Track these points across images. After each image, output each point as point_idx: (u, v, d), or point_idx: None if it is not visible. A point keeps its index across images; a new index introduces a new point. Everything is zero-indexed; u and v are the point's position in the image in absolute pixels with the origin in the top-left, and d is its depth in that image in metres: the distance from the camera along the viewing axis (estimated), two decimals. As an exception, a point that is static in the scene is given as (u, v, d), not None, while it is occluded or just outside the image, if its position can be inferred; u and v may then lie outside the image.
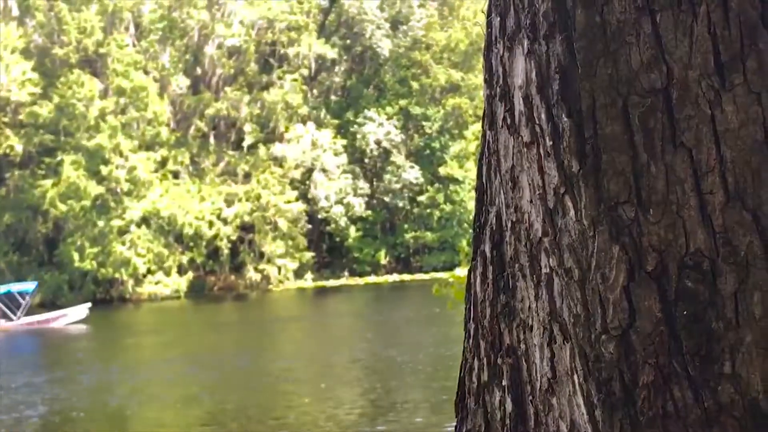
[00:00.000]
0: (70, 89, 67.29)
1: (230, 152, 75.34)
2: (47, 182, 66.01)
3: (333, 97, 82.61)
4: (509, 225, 2.24)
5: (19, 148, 67.21)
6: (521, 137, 2.16)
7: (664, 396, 1.83)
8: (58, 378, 28.52)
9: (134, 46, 74.01)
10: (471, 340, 2.46)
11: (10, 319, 49.70)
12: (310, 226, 74.44)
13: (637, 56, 1.91)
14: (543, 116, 2.05)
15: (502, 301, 2.29)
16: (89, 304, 53.07)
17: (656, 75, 1.88)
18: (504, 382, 2.26)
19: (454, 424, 2.56)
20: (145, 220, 67.51)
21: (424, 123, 79.05)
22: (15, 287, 53.79)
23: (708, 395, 1.79)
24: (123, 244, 65.62)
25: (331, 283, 71.81)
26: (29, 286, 54.75)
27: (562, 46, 2.01)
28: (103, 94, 69.96)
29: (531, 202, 2.13)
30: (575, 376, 1.99)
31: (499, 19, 2.29)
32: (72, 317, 49.38)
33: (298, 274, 72.61)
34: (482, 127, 2.48)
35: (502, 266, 2.30)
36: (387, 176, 76.84)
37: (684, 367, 1.82)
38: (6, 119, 68.44)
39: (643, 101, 1.89)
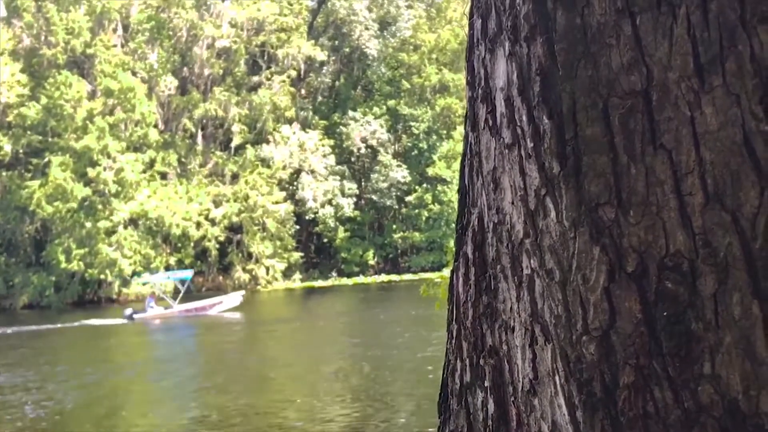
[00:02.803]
0: (58, 90, 67.12)
1: (218, 153, 75.29)
2: (35, 183, 65.82)
3: (321, 98, 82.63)
4: (491, 226, 2.25)
5: (7, 148, 66.99)
6: (503, 139, 2.16)
7: (644, 397, 1.84)
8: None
9: (122, 46, 73.81)
10: (454, 341, 2.47)
11: (170, 306, 50.45)
12: (298, 227, 74.45)
13: (617, 58, 1.91)
14: (524, 118, 2.06)
15: (484, 302, 2.29)
16: (243, 292, 53.75)
17: (636, 77, 1.89)
18: (486, 383, 2.27)
19: (438, 425, 2.57)
20: (132, 221, 67.39)
21: (412, 123, 79.12)
22: (174, 275, 55.05)
23: (688, 396, 1.80)
24: (110, 245, 65.47)
25: (320, 283, 71.86)
26: (187, 273, 56.17)
27: (542, 48, 2.01)
28: (91, 95, 69.78)
29: (512, 203, 2.13)
30: (556, 377, 2.00)
31: (480, 21, 2.29)
32: (227, 304, 49.93)
33: (287, 274, 72.62)
34: (465, 128, 2.49)
35: (484, 267, 2.30)
36: (374, 176, 76.89)
37: (664, 368, 1.82)
38: (-7, 120, 68.33)
39: (623, 103, 1.89)
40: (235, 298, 50.84)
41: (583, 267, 1.92)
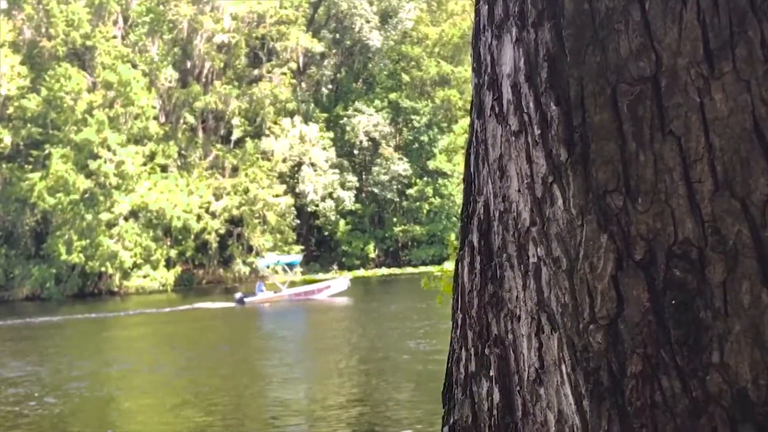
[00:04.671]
0: (58, 82, 67.11)
1: (218, 146, 75.31)
2: (35, 175, 65.84)
3: (323, 90, 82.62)
4: (497, 215, 2.23)
5: (7, 140, 67.02)
6: (509, 126, 2.14)
7: (652, 386, 1.82)
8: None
9: (122, 39, 73.77)
10: (458, 331, 2.45)
11: (279, 290, 50.98)
12: (298, 220, 74.51)
13: (626, 44, 1.89)
14: (531, 105, 2.04)
15: (490, 291, 2.27)
16: (351, 276, 54.11)
17: (645, 63, 1.87)
18: (491, 373, 2.25)
19: (442, 414, 2.55)
20: (133, 214, 67.43)
21: (413, 116, 79.14)
22: (283, 259, 55.99)
23: (696, 385, 1.78)
24: (111, 237, 65.51)
25: (320, 276, 71.80)
26: (295, 258, 57.25)
27: (550, 34, 2.00)
28: (91, 88, 69.76)
29: (519, 191, 2.11)
30: (563, 366, 1.98)
31: (487, 6, 2.27)
32: (335, 289, 50.66)
33: (287, 267, 72.67)
34: (470, 116, 2.47)
35: (489, 256, 2.29)
36: (375, 168, 76.93)
37: (672, 357, 1.80)
38: (-6, 112, 68.36)
39: (631, 89, 1.88)
40: (343, 282, 51.71)
41: (591, 255, 1.91)
